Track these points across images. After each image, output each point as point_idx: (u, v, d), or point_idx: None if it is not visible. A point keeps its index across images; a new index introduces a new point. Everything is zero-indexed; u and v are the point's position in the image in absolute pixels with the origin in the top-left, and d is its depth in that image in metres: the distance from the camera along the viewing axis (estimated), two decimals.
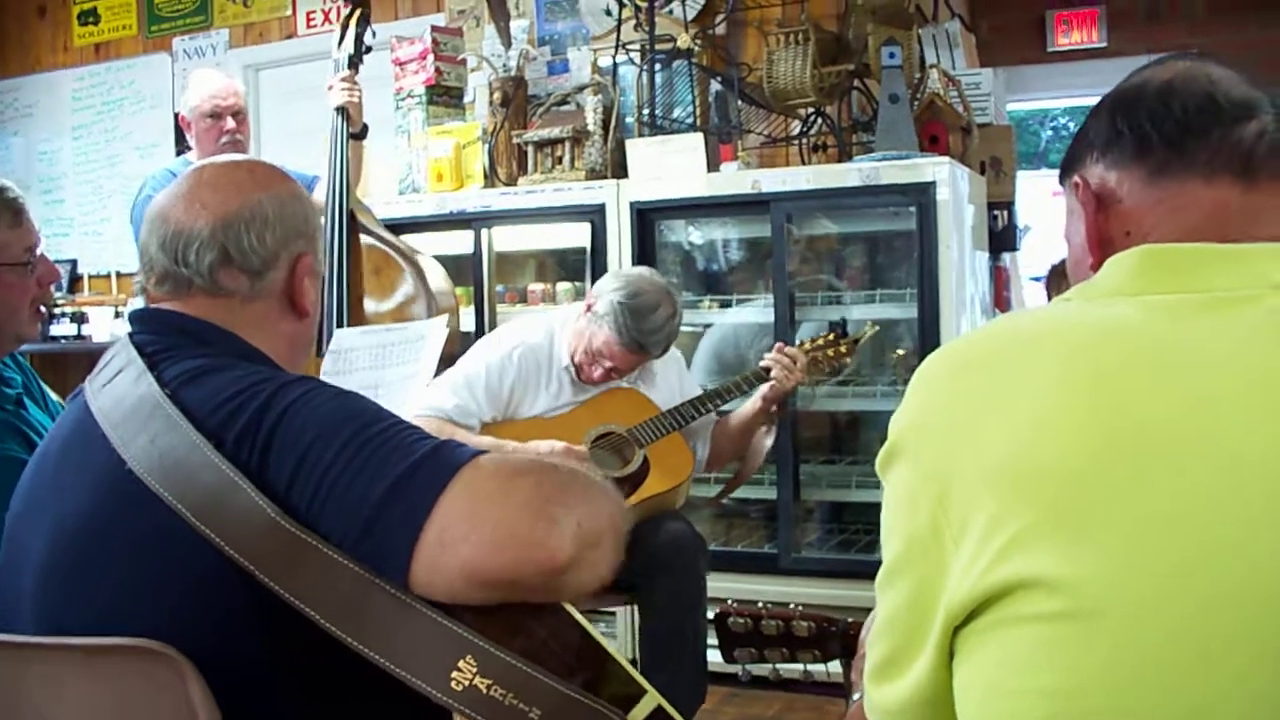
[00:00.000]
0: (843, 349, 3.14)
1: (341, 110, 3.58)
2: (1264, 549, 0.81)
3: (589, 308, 2.90)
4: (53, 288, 2.04)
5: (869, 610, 1.26)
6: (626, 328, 2.82)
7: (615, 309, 2.82)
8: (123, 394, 1.26)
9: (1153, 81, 1.03)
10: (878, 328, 3.27)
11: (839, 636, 1.51)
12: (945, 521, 0.90)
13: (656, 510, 2.90)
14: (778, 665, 1.56)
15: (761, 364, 3.05)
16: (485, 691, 1.07)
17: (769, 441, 3.20)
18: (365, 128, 3.69)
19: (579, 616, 1.19)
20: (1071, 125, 11.70)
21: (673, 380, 3.13)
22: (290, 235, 1.41)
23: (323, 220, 3.34)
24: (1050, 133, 12.32)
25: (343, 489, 1.14)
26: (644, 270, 3.06)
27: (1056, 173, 1.14)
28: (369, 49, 3.72)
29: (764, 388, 3.03)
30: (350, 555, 1.11)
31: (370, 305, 3.46)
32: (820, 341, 3.14)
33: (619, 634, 3.70)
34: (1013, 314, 1.11)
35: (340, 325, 3.25)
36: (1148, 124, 1.01)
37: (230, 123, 3.71)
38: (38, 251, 1.93)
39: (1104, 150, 1.04)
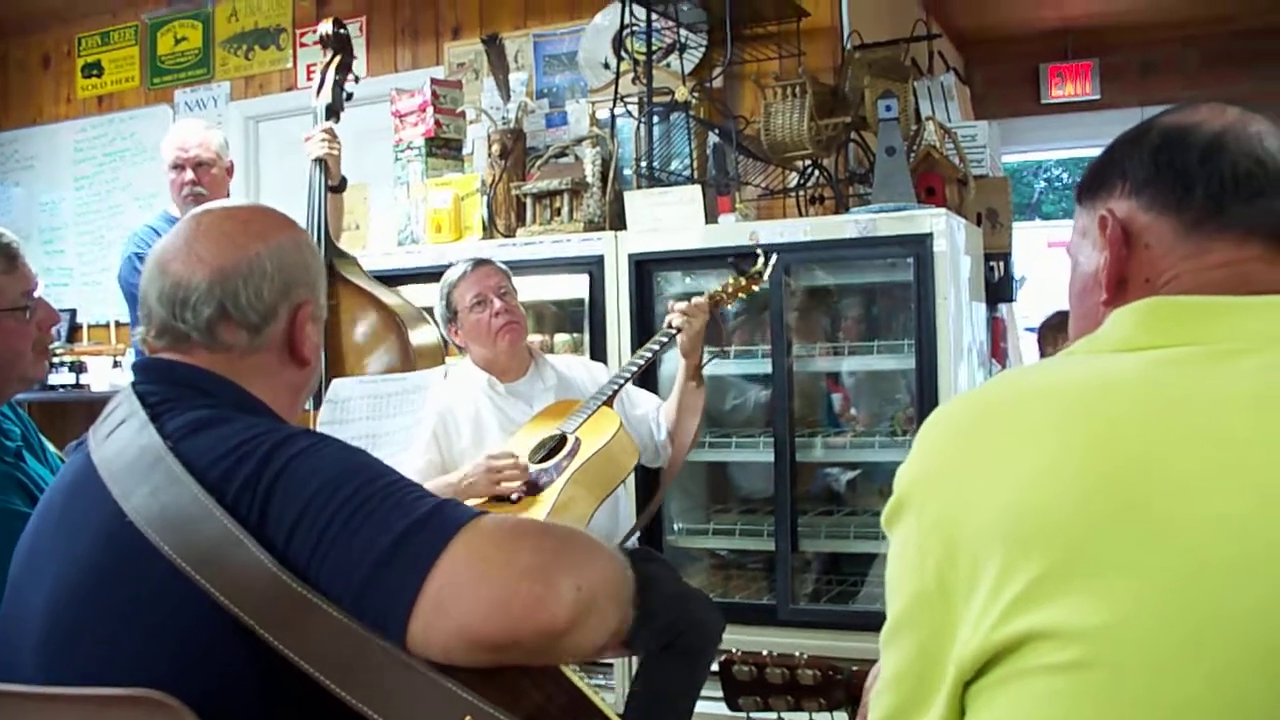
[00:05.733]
0: (743, 283, 3.19)
1: (320, 162, 3.51)
2: (1262, 595, 0.81)
3: (452, 331, 3.19)
4: (54, 331, 2.03)
5: (867, 661, 1.25)
6: (457, 274, 3.15)
7: (443, 285, 3.18)
8: (125, 445, 1.26)
9: (1203, 129, 1.01)
10: (775, 256, 3.27)
11: (844, 685, 1.50)
12: (954, 575, 0.90)
13: (607, 478, 2.87)
14: (782, 715, 1.55)
15: (666, 322, 3.11)
16: None
17: (700, 401, 3.19)
18: (344, 180, 3.61)
19: (576, 679, 1.18)
20: (1065, 176, 11.78)
21: (582, 375, 3.24)
22: (289, 285, 1.41)
23: None
24: (1043, 184, 12.41)
25: (343, 545, 1.13)
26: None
27: (1050, 224, 1.13)
28: (350, 96, 3.67)
29: (680, 341, 3.06)
30: (349, 613, 1.11)
31: (348, 356, 3.43)
32: (719, 288, 3.19)
33: (616, 683, 3.67)
34: (1017, 369, 1.11)
35: None
36: (1193, 176, 0.99)
37: (189, 174, 3.68)
38: (35, 295, 1.92)
39: (1139, 187, 1.03)
